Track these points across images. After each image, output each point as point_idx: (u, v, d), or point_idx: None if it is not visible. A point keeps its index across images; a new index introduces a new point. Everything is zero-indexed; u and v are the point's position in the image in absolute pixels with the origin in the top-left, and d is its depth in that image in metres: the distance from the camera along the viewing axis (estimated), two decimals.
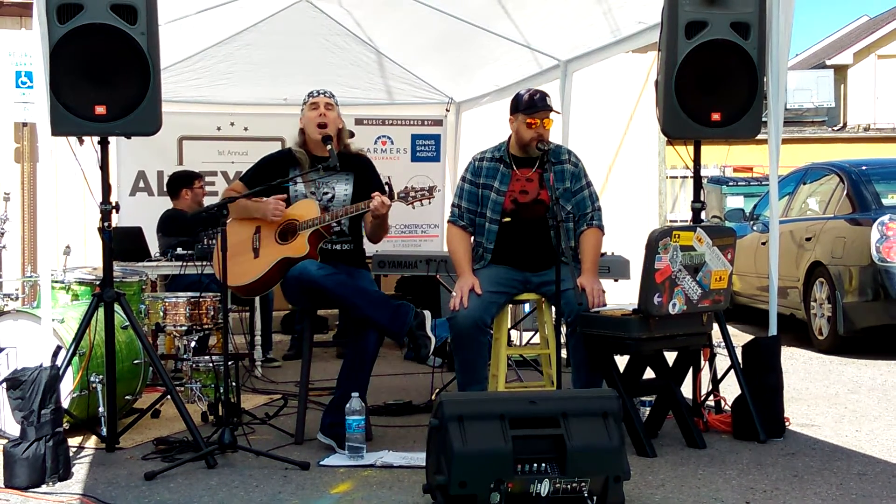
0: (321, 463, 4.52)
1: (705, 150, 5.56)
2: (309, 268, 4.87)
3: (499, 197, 5.14)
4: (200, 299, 5.92)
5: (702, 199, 5.42)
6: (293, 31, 8.37)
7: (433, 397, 5.85)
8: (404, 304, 4.81)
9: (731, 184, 15.48)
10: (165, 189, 8.27)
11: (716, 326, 5.07)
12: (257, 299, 7.07)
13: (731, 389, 5.20)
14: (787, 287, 8.63)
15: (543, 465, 3.61)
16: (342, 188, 5.17)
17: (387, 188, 5.10)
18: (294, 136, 5.29)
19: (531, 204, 5.12)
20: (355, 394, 4.61)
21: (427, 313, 4.81)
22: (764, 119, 5.17)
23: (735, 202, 13.93)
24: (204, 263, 5.93)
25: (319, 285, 4.82)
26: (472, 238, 5.25)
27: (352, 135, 8.27)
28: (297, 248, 4.97)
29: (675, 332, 4.73)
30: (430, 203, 5.17)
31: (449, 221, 5.29)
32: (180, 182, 7.96)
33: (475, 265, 5.16)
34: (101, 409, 4.96)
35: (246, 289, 5.12)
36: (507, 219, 5.12)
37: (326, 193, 5.14)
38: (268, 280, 5.06)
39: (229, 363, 4.84)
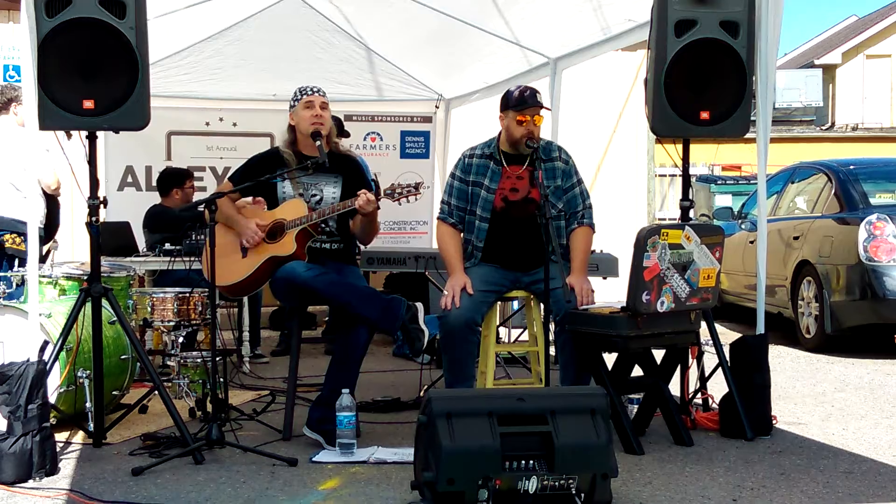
0: (313, 459, 4.51)
1: (694, 148, 5.57)
2: (297, 269, 4.85)
3: (489, 195, 5.14)
4: (188, 295, 5.91)
5: (690, 197, 5.44)
6: (282, 26, 8.35)
7: (421, 394, 5.85)
8: (395, 298, 4.79)
9: (719, 182, 15.54)
10: (155, 184, 8.25)
11: (704, 324, 5.09)
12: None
13: (718, 387, 5.21)
14: (774, 285, 8.66)
15: (531, 462, 3.61)
16: (330, 190, 5.14)
17: (373, 185, 5.08)
18: (283, 133, 5.26)
19: (521, 202, 5.12)
20: (346, 390, 4.60)
21: (419, 305, 4.81)
22: (752, 118, 5.18)
23: (723, 201, 13.99)
24: (192, 259, 5.92)
25: (309, 286, 4.81)
26: (462, 235, 5.25)
27: (347, 134, 8.28)
28: (284, 247, 4.96)
29: (664, 329, 4.74)
30: (417, 200, 5.16)
31: (438, 219, 5.28)
32: (171, 181, 7.93)
33: (465, 263, 5.16)
34: (88, 405, 4.94)
35: (234, 288, 5.10)
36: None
37: (315, 195, 5.12)
38: (256, 279, 5.04)
39: (217, 359, 4.83)
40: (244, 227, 5.06)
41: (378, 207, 4.96)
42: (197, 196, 7.88)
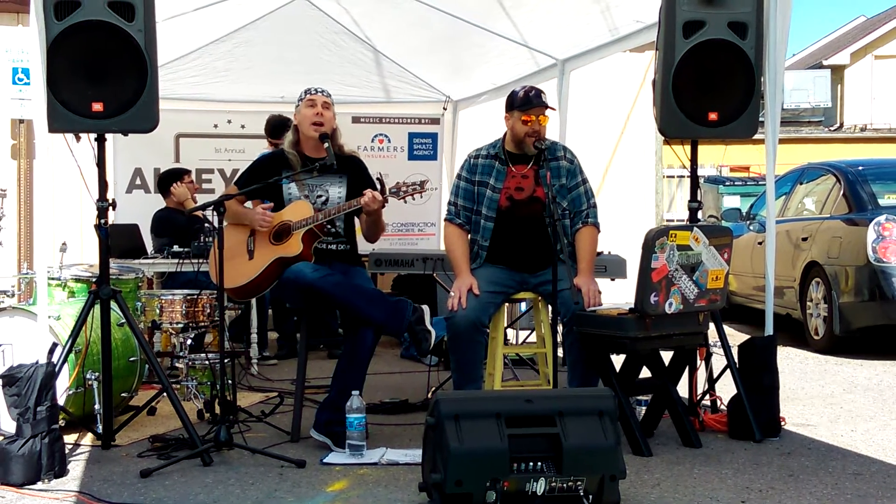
0: (323, 461, 4.51)
1: (702, 149, 5.57)
2: (304, 270, 4.85)
3: (494, 194, 5.14)
4: (197, 297, 5.92)
5: (698, 198, 5.43)
6: (291, 28, 8.35)
7: (429, 395, 5.85)
8: (402, 300, 4.80)
9: (727, 183, 15.49)
10: (157, 188, 8.28)
11: (712, 326, 5.08)
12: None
13: (726, 389, 5.20)
14: (783, 287, 8.64)
15: (539, 463, 3.61)
16: (336, 190, 5.14)
17: (378, 184, 5.08)
18: (287, 135, 5.27)
19: (527, 201, 5.12)
20: (356, 392, 4.60)
21: (426, 308, 4.81)
22: (761, 119, 5.17)
23: (732, 202, 13.94)
24: (200, 261, 5.93)
25: (316, 288, 4.80)
26: (469, 236, 5.25)
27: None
28: (290, 248, 4.96)
29: (672, 331, 4.73)
30: (422, 197, 5.16)
31: (446, 220, 5.29)
32: (170, 179, 7.95)
33: (472, 264, 5.16)
34: (97, 407, 4.96)
35: (241, 290, 5.10)
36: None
37: (320, 196, 5.12)
38: (262, 281, 5.04)
39: (225, 361, 4.83)
40: (252, 214, 5.06)
41: (384, 205, 4.97)
42: (201, 197, 7.88)
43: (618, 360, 4.82)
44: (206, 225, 6.94)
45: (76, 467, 4.48)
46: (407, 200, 5.01)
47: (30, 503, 4.01)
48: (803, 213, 9.17)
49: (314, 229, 4.97)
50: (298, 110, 5.18)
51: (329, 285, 4.79)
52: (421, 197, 5.06)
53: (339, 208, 4.98)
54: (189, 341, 5.87)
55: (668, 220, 14.87)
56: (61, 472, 4.32)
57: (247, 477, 4.27)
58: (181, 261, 6.70)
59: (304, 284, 4.83)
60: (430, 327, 4.78)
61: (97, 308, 4.81)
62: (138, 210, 8.41)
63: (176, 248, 7.03)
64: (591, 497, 3.63)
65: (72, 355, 4.86)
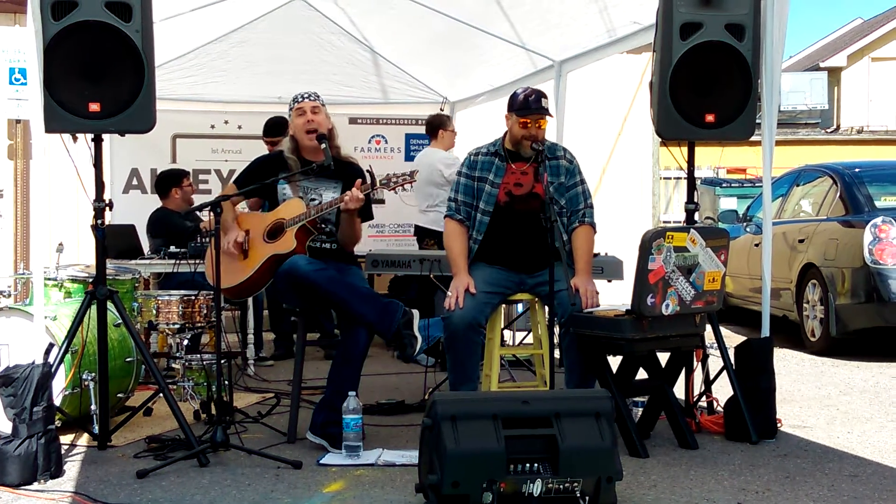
0: (320, 462, 4.51)
1: (699, 151, 5.57)
2: (299, 262, 4.85)
3: (493, 189, 5.15)
4: (194, 298, 5.92)
5: (695, 200, 5.43)
6: (288, 29, 8.36)
7: (426, 397, 5.85)
8: (393, 302, 4.80)
9: (724, 185, 15.52)
10: (154, 188, 8.27)
11: (708, 327, 5.08)
12: (250, 298, 7.06)
13: (723, 390, 5.21)
14: (779, 288, 8.65)
15: (536, 465, 3.61)
16: (330, 195, 5.13)
17: (368, 175, 5.05)
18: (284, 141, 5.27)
19: (526, 197, 5.13)
20: (352, 393, 4.60)
21: (415, 312, 4.80)
22: (758, 121, 5.18)
23: (728, 203, 13.97)
24: (197, 262, 5.92)
25: (310, 280, 4.79)
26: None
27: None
28: (284, 245, 4.96)
29: (668, 332, 4.73)
30: (412, 187, 5.15)
31: (446, 216, 5.29)
32: (169, 181, 7.94)
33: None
34: (93, 407, 4.95)
35: (236, 290, 5.10)
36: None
37: (314, 200, 5.12)
38: (258, 279, 5.04)
39: (222, 361, 4.83)
40: (228, 236, 5.08)
41: (374, 198, 4.95)
42: (198, 197, 7.89)
43: (614, 362, 4.82)
44: (202, 226, 6.94)
45: (72, 468, 4.48)
46: (398, 191, 5.00)
47: None
48: (800, 215, 9.18)
49: (307, 225, 4.98)
50: (291, 120, 5.20)
51: (323, 279, 4.78)
52: (411, 187, 5.05)
53: (332, 203, 4.97)
54: (185, 342, 5.87)
55: (664, 222, 14.90)
56: (57, 472, 4.32)
57: (243, 478, 4.27)
58: (178, 261, 6.69)
59: (298, 277, 4.81)
60: (416, 333, 4.77)
61: (93, 308, 4.81)
62: (135, 210, 8.41)
63: (173, 248, 7.02)
64: (587, 498, 3.63)
65: (68, 356, 4.86)
